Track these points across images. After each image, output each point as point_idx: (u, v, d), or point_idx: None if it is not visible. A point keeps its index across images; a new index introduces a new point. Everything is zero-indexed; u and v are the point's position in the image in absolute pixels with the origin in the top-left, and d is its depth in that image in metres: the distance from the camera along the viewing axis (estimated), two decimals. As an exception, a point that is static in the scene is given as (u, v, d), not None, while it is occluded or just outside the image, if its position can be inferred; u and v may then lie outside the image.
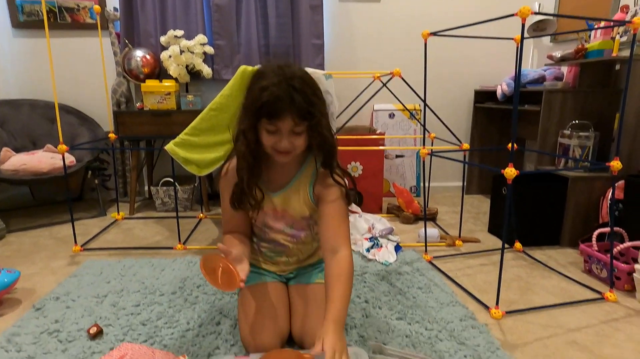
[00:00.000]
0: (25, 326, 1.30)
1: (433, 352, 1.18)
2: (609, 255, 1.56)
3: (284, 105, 0.97)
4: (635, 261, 1.53)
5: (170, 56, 2.51)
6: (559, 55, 2.22)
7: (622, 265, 1.57)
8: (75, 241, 1.95)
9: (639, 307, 1.47)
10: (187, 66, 2.57)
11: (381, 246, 1.91)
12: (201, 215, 2.48)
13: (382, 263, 1.79)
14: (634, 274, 1.51)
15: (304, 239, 1.25)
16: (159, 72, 2.65)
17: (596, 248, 1.68)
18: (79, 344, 1.21)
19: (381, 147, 2.48)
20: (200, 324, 1.31)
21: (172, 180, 2.08)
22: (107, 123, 2.64)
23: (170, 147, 1.79)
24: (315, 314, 1.14)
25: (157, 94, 2.45)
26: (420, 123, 2.49)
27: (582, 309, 1.45)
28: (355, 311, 1.39)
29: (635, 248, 1.64)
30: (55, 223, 2.34)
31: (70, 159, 2.35)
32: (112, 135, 2.32)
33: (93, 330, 1.25)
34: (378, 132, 2.66)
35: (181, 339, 1.24)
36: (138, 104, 2.59)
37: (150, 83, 2.45)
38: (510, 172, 1.30)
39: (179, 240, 2.00)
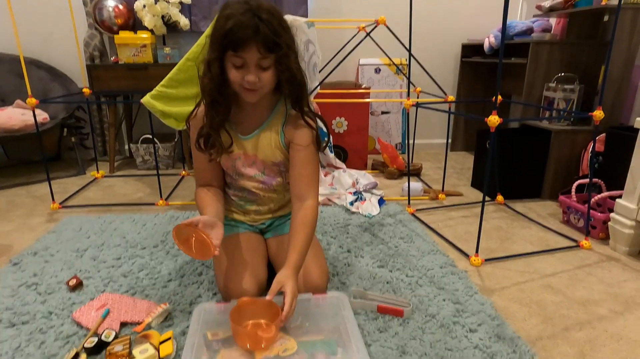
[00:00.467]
0: (2, 280, 1.29)
1: (413, 297, 1.20)
2: (586, 206, 1.59)
3: (249, 33, 0.93)
4: (611, 210, 1.56)
5: (144, 6, 2.37)
6: (548, 6, 2.16)
7: (599, 214, 1.60)
8: (53, 199, 1.91)
9: (611, 253, 1.51)
10: (162, 17, 2.44)
11: (365, 200, 1.91)
12: (183, 172, 2.44)
13: (365, 216, 1.80)
14: (609, 222, 1.54)
15: (276, 187, 1.23)
16: (133, 23, 2.51)
17: (575, 199, 1.71)
18: (59, 296, 1.20)
19: (366, 100, 2.43)
20: (182, 276, 1.31)
21: (151, 136, 2.02)
22: (81, 78, 2.52)
23: (146, 99, 1.72)
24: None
25: (132, 46, 2.33)
26: (406, 76, 2.43)
27: (558, 257, 1.49)
28: (337, 260, 1.41)
29: (612, 198, 1.67)
30: (32, 182, 2.28)
31: (43, 116, 2.26)
32: (86, 90, 2.22)
33: (72, 282, 1.24)
34: (364, 86, 2.61)
35: (163, 289, 1.24)
36: (113, 58, 2.46)
37: (124, 35, 2.32)
38: (493, 119, 1.29)
39: (161, 196, 1.97)
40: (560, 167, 2.00)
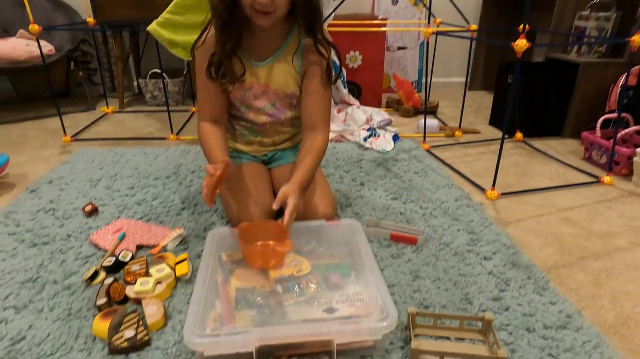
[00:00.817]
0: (21, 206, 1.30)
1: (427, 227, 1.19)
2: (611, 141, 1.53)
3: None
4: (637, 146, 1.49)
5: None
6: None
7: (624, 149, 1.54)
8: (65, 132, 1.90)
9: (633, 189, 1.47)
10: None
11: (378, 136, 1.86)
12: (193, 108, 2.40)
13: (378, 151, 1.76)
14: (634, 158, 1.48)
15: (283, 121, 1.20)
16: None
17: (599, 135, 1.64)
18: (75, 220, 1.22)
19: (382, 29, 2.30)
20: (195, 204, 1.32)
21: (160, 71, 1.96)
22: (84, 10, 2.41)
23: (152, 27, 1.64)
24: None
25: (136, -28, 2.20)
26: (425, 6, 2.28)
27: (577, 192, 1.45)
28: (350, 192, 1.39)
29: (639, 133, 1.60)
30: (43, 117, 2.26)
31: (48, 48, 2.19)
32: (90, 20, 2.12)
33: (88, 208, 1.25)
34: (380, 18, 2.46)
35: (177, 217, 1.25)
36: (116, -15, 2.33)
37: (127, -41, 2.18)
38: (521, 43, 1.20)
39: (171, 131, 1.94)
40: (585, 103, 1.90)
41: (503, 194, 1.41)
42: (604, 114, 1.70)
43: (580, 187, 1.48)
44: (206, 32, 1.07)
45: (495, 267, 1.01)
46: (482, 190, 1.44)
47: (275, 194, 1.20)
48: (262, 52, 1.10)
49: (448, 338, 0.82)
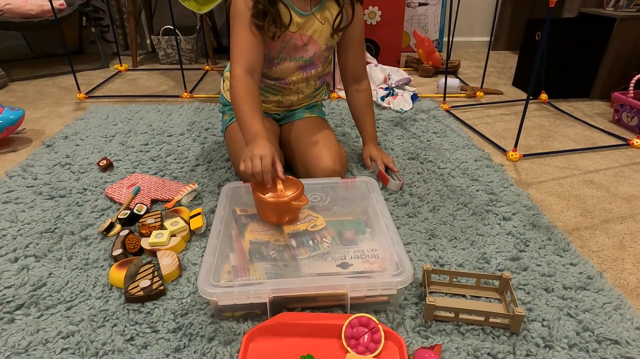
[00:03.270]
0: (38, 159, 1.31)
1: (445, 187, 1.16)
2: (644, 101, 1.44)
3: None
4: (673, 107, 1.41)
5: None
6: None
7: (657, 111, 1.45)
8: (79, 89, 1.88)
9: (665, 153, 1.40)
10: None
11: (396, 95, 1.80)
12: (207, 67, 2.35)
13: (396, 111, 1.71)
14: (668, 120, 1.40)
15: (310, 77, 1.15)
16: None
17: (632, 95, 1.55)
18: (91, 175, 1.23)
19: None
20: (209, 161, 1.30)
21: (172, 27, 1.90)
22: (94, -39, 2.35)
23: (163, -23, 1.58)
24: (312, 143, 1.12)
25: None
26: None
27: (603, 154, 1.39)
28: (366, 151, 1.36)
29: (676, 94, 1.51)
30: (57, 74, 2.25)
31: (59, 2, 2.14)
32: (100, -28, 2.06)
33: (103, 163, 1.25)
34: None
35: (191, 172, 1.24)
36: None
37: None
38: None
39: (185, 88, 1.91)
40: (618, 62, 1.79)
41: (525, 156, 1.36)
42: (638, 74, 1.60)
43: (607, 150, 1.42)
44: None
45: (514, 228, 0.99)
46: (503, 151, 1.39)
47: (283, 152, 1.19)
48: (304, 4, 1.05)
49: (464, 296, 0.81)
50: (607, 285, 0.82)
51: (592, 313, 0.76)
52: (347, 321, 0.69)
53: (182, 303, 0.78)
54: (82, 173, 1.24)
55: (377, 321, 0.68)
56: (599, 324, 0.73)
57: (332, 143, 1.15)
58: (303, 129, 1.18)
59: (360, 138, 1.28)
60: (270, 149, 0.87)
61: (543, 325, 0.73)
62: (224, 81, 1.26)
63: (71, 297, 0.79)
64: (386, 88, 1.86)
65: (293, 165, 1.19)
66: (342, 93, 1.88)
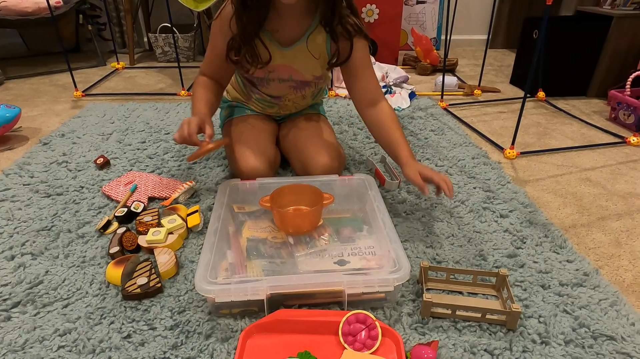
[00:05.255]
0: (34, 157, 1.31)
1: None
2: (641, 99, 1.45)
3: None
4: (669, 105, 1.42)
5: None
6: None
7: (654, 108, 1.46)
8: (76, 87, 1.88)
9: (661, 151, 1.41)
10: None
11: (394, 93, 1.80)
12: (204, 65, 2.34)
13: (394, 109, 1.70)
14: (665, 118, 1.41)
15: (305, 94, 1.14)
16: None
17: (628, 93, 1.55)
18: (88, 173, 1.22)
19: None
20: (207, 159, 1.30)
21: (170, 25, 1.89)
22: (91, -42, 2.33)
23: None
24: (310, 139, 1.12)
25: None
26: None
27: (600, 152, 1.40)
28: (363, 149, 1.36)
29: (672, 92, 1.51)
30: (54, 72, 2.24)
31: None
32: (97, -30, 2.05)
33: (100, 161, 1.25)
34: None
35: (188, 170, 1.24)
36: None
37: None
38: (552, -12, 1.11)
39: (182, 86, 1.91)
40: (615, 60, 1.80)
41: (522, 153, 1.36)
42: (635, 72, 1.60)
43: (604, 148, 1.42)
44: (223, 5, 0.97)
45: (511, 225, 0.99)
46: (501, 149, 1.39)
47: (278, 148, 1.19)
48: (288, 33, 0.98)
49: (461, 293, 0.81)
50: (603, 282, 0.82)
51: (588, 310, 0.76)
52: (344, 318, 0.69)
53: (179, 301, 0.78)
54: (79, 171, 1.23)
55: (374, 318, 0.69)
56: (595, 320, 0.73)
57: (330, 139, 1.15)
58: (302, 125, 1.18)
59: (358, 138, 1.27)
60: (199, 117, 0.94)
61: (539, 321, 0.73)
62: None
63: (68, 295, 0.79)
64: (384, 86, 1.86)
65: (291, 161, 1.19)
66: (340, 91, 1.88)
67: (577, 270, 0.85)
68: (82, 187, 1.14)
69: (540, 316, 0.74)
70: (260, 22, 0.94)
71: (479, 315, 0.73)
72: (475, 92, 1.91)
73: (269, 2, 0.92)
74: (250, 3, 0.89)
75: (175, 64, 1.93)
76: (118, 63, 2.35)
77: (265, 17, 0.94)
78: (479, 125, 1.59)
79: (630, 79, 1.55)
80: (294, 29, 0.99)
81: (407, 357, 0.65)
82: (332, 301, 0.77)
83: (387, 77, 1.96)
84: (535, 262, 0.87)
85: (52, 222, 1.00)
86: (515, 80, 2.08)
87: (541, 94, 1.85)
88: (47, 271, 0.85)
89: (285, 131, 1.20)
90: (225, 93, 1.22)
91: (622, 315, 0.75)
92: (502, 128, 1.57)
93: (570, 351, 0.68)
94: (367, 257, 0.82)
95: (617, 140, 1.47)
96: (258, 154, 1.07)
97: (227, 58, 1.00)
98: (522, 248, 0.92)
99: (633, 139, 1.43)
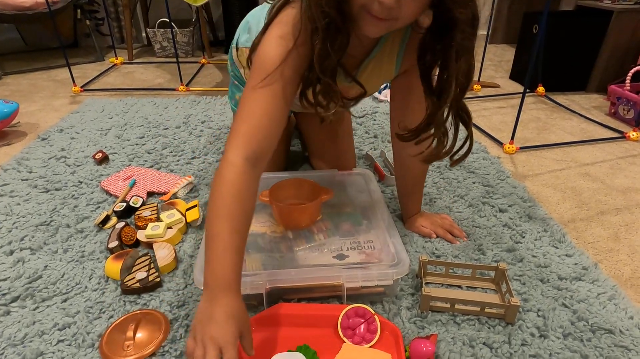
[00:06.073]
0: (33, 153, 1.30)
1: (441, 179, 1.16)
2: (640, 94, 1.45)
3: None
4: (669, 100, 1.41)
5: None
6: None
7: (654, 103, 1.46)
8: (74, 83, 1.87)
9: (660, 146, 1.41)
10: None
11: (394, 88, 1.79)
12: (203, 60, 2.33)
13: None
14: (664, 112, 1.41)
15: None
16: None
17: (628, 88, 1.55)
18: (87, 168, 1.22)
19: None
20: (206, 154, 1.30)
21: (168, 20, 1.88)
22: (88, -48, 2.32)
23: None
24: (332, 136, 1.12)
25: None
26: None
27: (599, 147, 1.39)
28: (363, 144, 1.36)
29: (672, 87, 1.51)
30: (52, 67, 2.23)
31: (54, -6, 2.12)
32: (95, -36, 2.04)
33: (99, 156, 1.25)
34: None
35: (187, 165, 1.24)
36: None
37: None
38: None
39: (181, 82, 1.90)
40: (614, 55, 1.79)
41: (521, 148, 1.36)
42: (635, 67, 1.60)
43: (604, 143, 1.42)
44: (279, 5, 0.68)
45: (510, 219, 0.99)
46: (500, 144, 1.39)
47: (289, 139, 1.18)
48: (353, 60, 0.76)
49: (460, 287, 0.81)
50: (601, 276, 0.82)
51: (587, 303, 0.76)
52: (343, 312, 0.69)
53: (178, 295, 0.78)
54: (78, 166, 1.23)
55: (374, 312, 0.69)
56: (594, 314, 0.74)
57: (352, 144, 1.18)
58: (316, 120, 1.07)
59: (358, 133, 1.27)
60: (236, 328, 0.56)
61: (538, 315, 0.74)
62: (233, 50, 0.98)
63: (67, 289, 0.79)
64: (383, 82, 1.85)
65: (321, 150, 1.15)
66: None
67: (576, 264, 0.85)
68: (81, 182, 1.14)
69: (539, 310, 0.74)
70: (344, 49, 0.64)
71: (478, 309, 0.73)
72: (474, 87, 1.90)
73: (352, 26, 0.63)
74: (339, 23, 0.60)
75: (174, 59, 1.92)
76: (116, 59, 2.34)
77: (348, 44, 0.64)
78: (478, 120, 1.59)
79: (630, 74, 1.55)
80: (359, 51, 0.76)
81: (406, 350, 0.65)
82: (331, 295, 0.77)
83: (386, 72, 1.95)
84: (534, 256, 0.87)
85: (51, 217, 0.99)
86: (514, 75, 2.08)
87: (541, 89, 1.85)
88: (46, 266, 0.84)
89: (303, 123, 1.18)
90: (242, 71, 0.97)
91: (621, 309, 0.75)
92: (502, 123, 1.57)
93: (568, 344, 0.68)
94: (366, 251, 0.82)
95: (616, 135, 1.47)
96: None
97: (301, 99, 0.71)
98: (521, 243, 0.92)
99: (632, 134, 1.43)
